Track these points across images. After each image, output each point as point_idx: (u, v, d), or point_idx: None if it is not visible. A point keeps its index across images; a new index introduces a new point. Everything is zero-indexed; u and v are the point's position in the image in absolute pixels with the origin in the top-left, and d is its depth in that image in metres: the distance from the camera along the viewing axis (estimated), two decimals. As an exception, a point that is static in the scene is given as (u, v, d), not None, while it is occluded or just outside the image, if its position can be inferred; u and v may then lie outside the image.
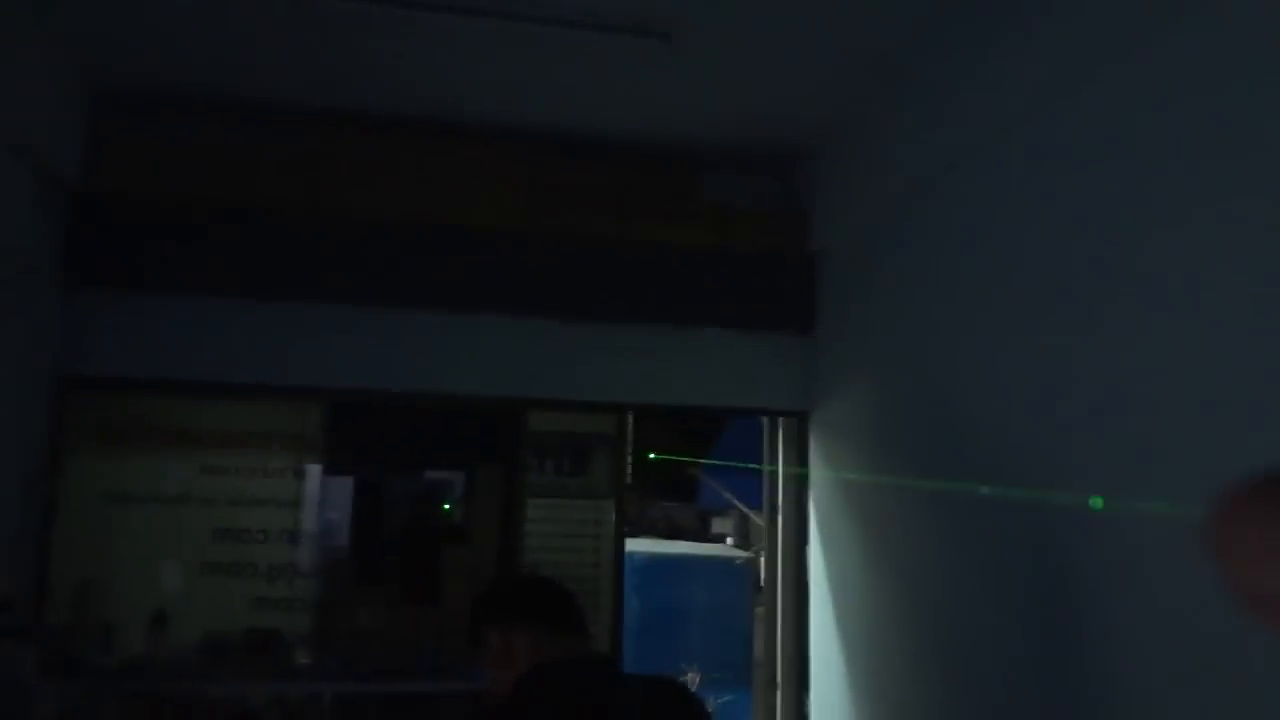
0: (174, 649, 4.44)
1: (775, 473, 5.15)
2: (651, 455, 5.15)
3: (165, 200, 4.09)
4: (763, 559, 5.43)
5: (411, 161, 4.34)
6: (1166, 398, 2.38)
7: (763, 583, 5.45)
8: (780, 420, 5.08)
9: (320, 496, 4.98)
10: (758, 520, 8.06)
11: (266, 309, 4.19)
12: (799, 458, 4.95)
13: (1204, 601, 2.07)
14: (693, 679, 5.22)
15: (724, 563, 6.28)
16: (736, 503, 9.60)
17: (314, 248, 4.23)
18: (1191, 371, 2.30)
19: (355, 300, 4.28)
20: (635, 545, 5.70)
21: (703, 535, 12.93)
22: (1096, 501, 2.50)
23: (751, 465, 5.57)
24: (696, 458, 9.69)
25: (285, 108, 4.28)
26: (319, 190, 4.22)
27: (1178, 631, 2.25)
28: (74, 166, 3.98)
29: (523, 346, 4.49)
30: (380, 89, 4.16)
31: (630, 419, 5.07)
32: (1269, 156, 2.08)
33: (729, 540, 11.66)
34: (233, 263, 4.15)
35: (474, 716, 1.95)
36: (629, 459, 5.08)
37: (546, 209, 4.45)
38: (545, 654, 1.89)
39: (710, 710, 2.07)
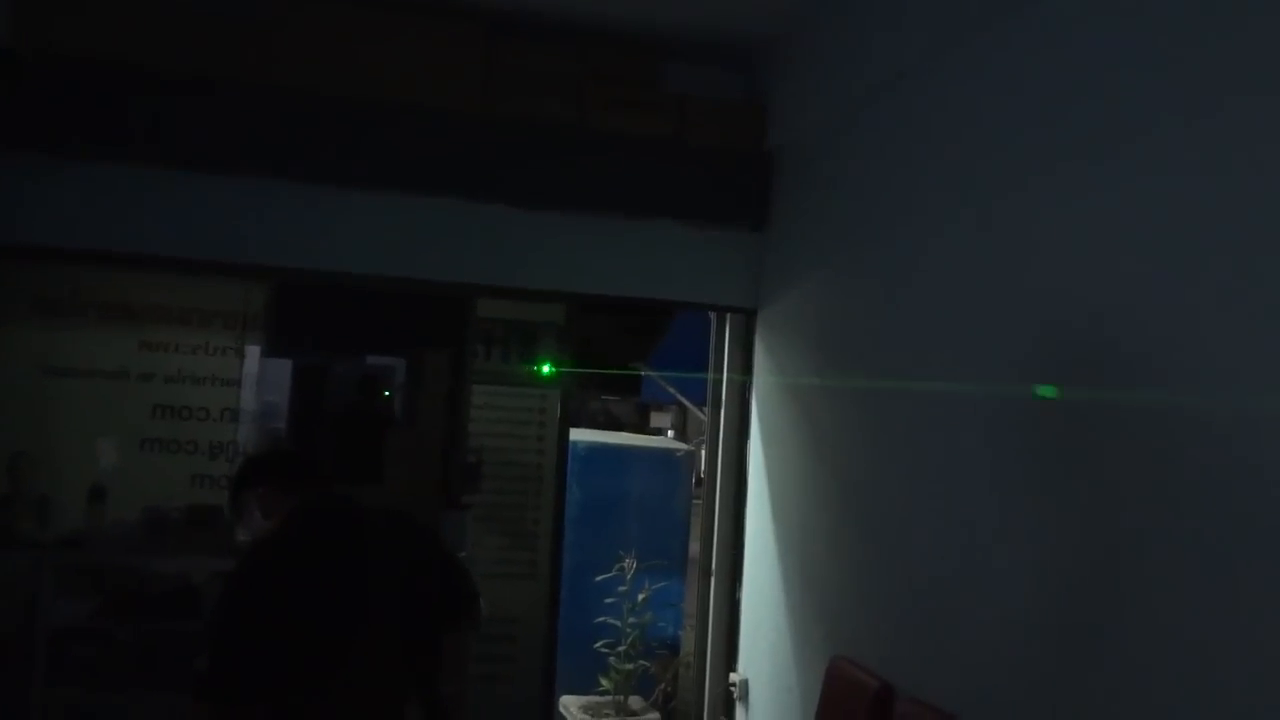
0: (113, 524, 4.42)
1: (720, 368, 5.21)
2: (590, 342, 5.17)
3: (109, 64, 3.90)
4: (703, 452, 5.53)
5: (366, 36, 4.19)
6: (1116, 300, 2.45)
7: (702, 475, 5.56)
8: (728, 316, 5.11)
9: (262, 376, 4.94)
10: (699, 415, 8.17)
11: (210, 182, 4.06)
12: (744, 354, 5.00)
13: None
14: (629, 565, 5.36)
15: (664, 454, 6.38)
16: (679, 397, 9.71)
17: (263, 122, 4.08)
18: (1141, 277, 2.36)
19: (304, 178, 4.16)
20: (577, 435, 5.76)
21: (642, 429, 13.10)
22: (1047, 390, 2.58)
23: (697, 357, 5.63)
24: (641, 351, 9.73)
25: (232, -29, 4.08)
26: (271, 62, 4.05)
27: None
28: (5, 24, 3.77)
29: (473, 232, 4.43)
30: (332, -44, 3.99)
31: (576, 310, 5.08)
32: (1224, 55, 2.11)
33: (669, 434, 11.84)
34: (178, 133, 3.99)
35: (243, 555, 2.28)
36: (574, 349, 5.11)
37: (503, 92, 4.34)
38: (295, 502, 2.34)
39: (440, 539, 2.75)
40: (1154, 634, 2.22)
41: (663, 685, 5.45)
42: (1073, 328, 2.59)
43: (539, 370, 5.04)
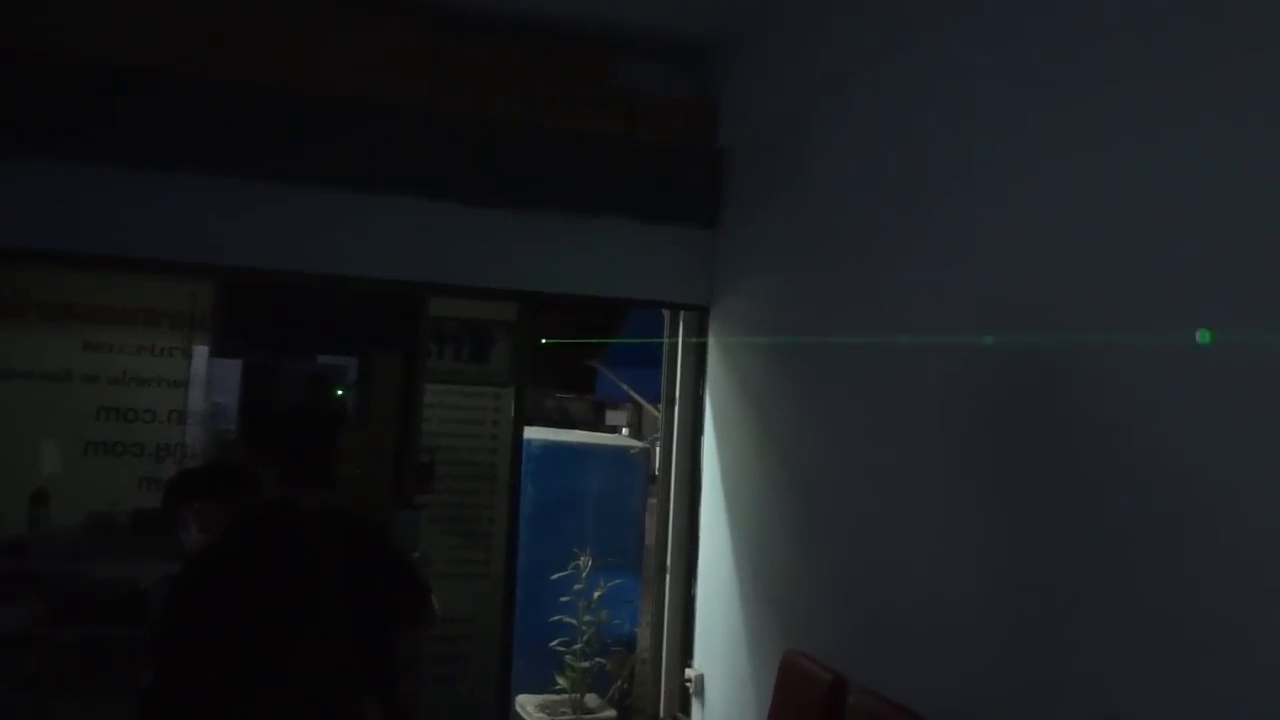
0: (56, 529, 4.32)
1: (674, 365, 5.22)
2: (545, 341, 5.15)
3: (48, 58, 3.81)
4: (658, 449, 5.55)
5: (314, 31, 4.14)
6: (1063, 293, 2.49)
7: (657, 472, 5.58)
8: (681, 313, 5.13)
9: (210, 377, 4.86)
10: (654, 412, 8.19)
11: (157, 179, 3.98)
12: (698, 351, 5.02)
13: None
14: (586, 563, 5.35)
15: (619, 452, 6.38)
16: (634, 394, 9.72)
17: (211, 117, 4.02)
18: (1087, 272, 2.41)
19: (252, 175, 4.10)
20: (532, 433, 5.74)
21: (597, 427, 13.08)
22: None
23: (651, 355, 5.64)
24: (596, 350, 9.73)
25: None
26: (218, 57, 4.00)
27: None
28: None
29: (424, 229, 4.40)
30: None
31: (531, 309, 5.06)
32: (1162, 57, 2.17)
33: (624, 431, 11.84)
34: (122, 129, 3.92)
35: (185, 564, 2.26)
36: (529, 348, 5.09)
37: (453, 88, 4.32)
38: (232, 511, 2.34)
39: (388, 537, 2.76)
40: (1104, 622, 2.27)
41: (619, 682, 5.45)
42: (1021, 321, 2.64)
43: (492, 369, 5.01)
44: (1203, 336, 1.99)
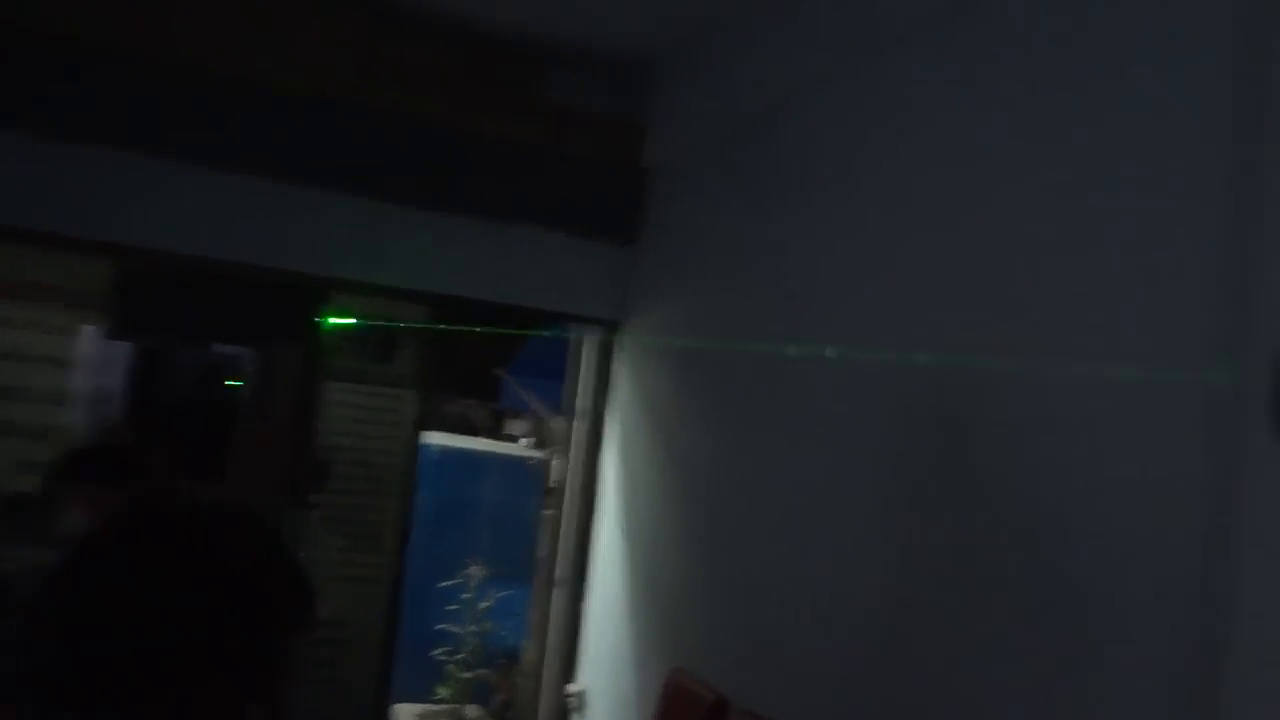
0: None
1: (579, 378, 5.23)
2: (441, 327, 5.07)
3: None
4: (555, 461, 5.54)
5: (239, 13, 4.05)
6: (982, 328, 2.59)
7: (553, 484, 5.56)
8: (591, 327, 5.14)
9: (100, 360, 4.68)
10: (554, 424, 8.15)
11: (52, 148, 3.83)
12: (604, 366, 5.04)
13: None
14: (476, 572, 5.31)
15: (517, 461, 6.36)
16: (535, 405, 9.67)
17: (119, 90, 3.88)
18: (1012, 307, 2.51)
19: (158, 153, 3.97)
20: (432, 438, 5.68)
21: (496, 434, 12.96)
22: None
23: (556, 367, 5.63)
24: (501, 357, 9.66)
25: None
26: (137, 31, 3.87)
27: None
28: None
29: (337, 223, 4.32)
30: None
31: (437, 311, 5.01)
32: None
33: (522, 440, 11.76)
34: (22, 94, 3.76)
35: (70, 549, 2.15)
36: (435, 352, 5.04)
37: (378, 83, 4.27)
38: (123, 498, 2.26)
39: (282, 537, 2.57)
40: (983, 647, 2.35)
41: (501, 695, 5.41)
42: (937, 350, 2.72)
43: (396, 370, 4.94)
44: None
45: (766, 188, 3.79)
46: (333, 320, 4.87)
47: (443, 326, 5.20)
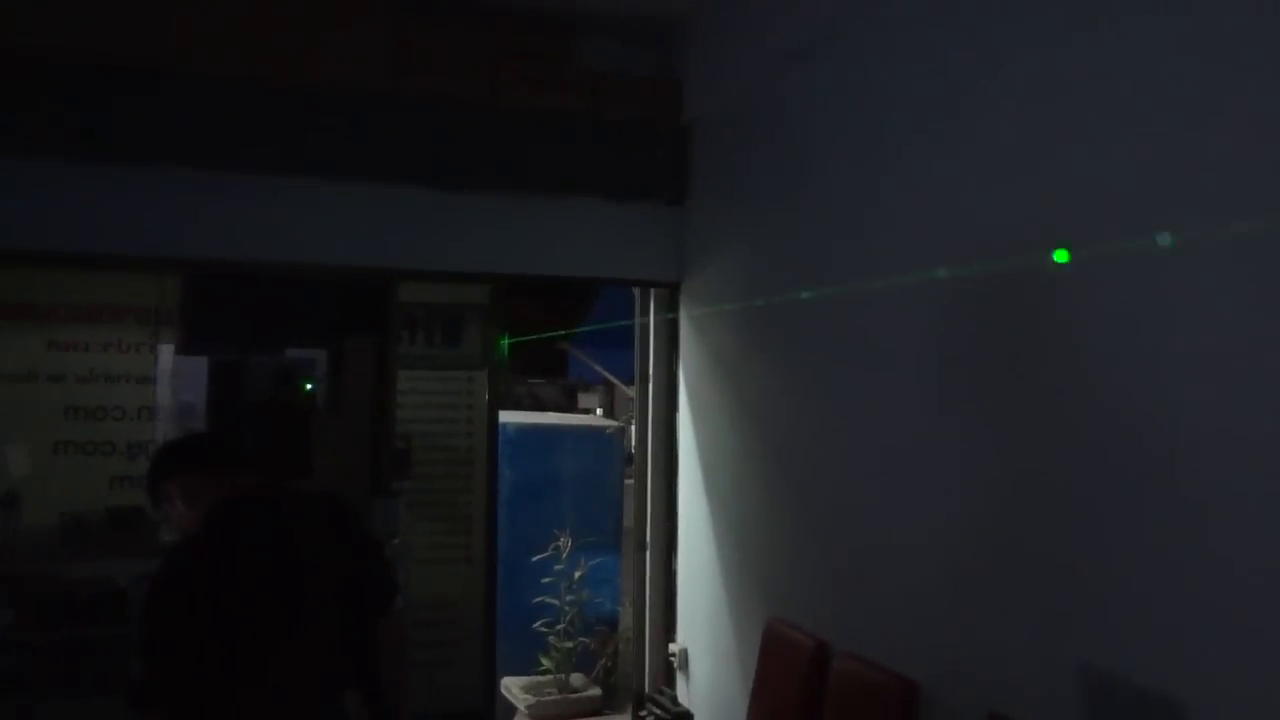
0: (29, 531, 4.27)
1: (646, 343, 5.23)
2: (506, 340, 5.15)
3: (9, 53, 3.74)
4: (633, 428, 5.56)
5: (271, 16, 4.08)
6: (1034, 253, 2.52)
7: (632, 451, 5.59)
8: (651, 291, 5.14)
9: (178, 373, 4.80)
10: (627, 392, 8.20)
11: (115, 172, 3.92)
12: (670, 328, 5.04)
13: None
14: (565, 543, 5.36)
15: (594, 432, 6.38)
16: (606, 375, 9.72)
17: (169, 108, 3.96)
18: (1056, 229, 2.44)
19: (211, 166, 4.05)
20: (507, 417, 5.72)
21: (569, 410, 13.08)
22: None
23: (622, 335, 5.65)
24: (566, 333, 9.72)
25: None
26: (174, 46, 3.93)
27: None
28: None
29: (390, 214, 4.38)
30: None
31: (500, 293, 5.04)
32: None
33: (598, 412, 11.84)
34: (78, 123, 3.85)
35: (170, 552, 2.19)
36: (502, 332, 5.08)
37: (415, 72, 4.29)
38: (220, 490, 2.24)
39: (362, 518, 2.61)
40: (1079, 576, 2.31)
41: (603, 661, 5.47)
42: (997, 280, 2.67)
43: (465, 353, 4.99)
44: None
45: (810, 126, 3.73)
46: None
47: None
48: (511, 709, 5.14)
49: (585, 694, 5.26)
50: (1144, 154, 2.16)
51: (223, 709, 2.10)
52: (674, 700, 4.50)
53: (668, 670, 4.90)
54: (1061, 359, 2.40)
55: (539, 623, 5.30)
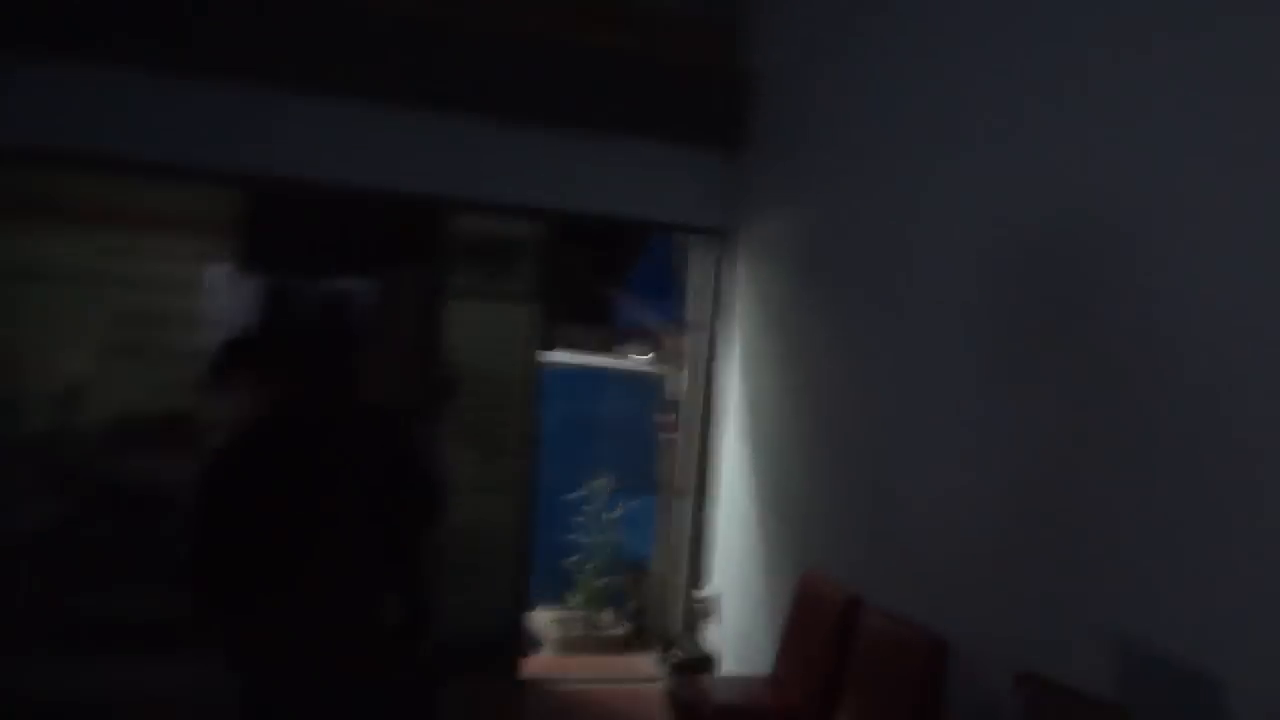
0: (86, 427, 4.38)
1: (691, 292, 5.20)
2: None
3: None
4: (673, 375, 5.55)
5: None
6: (1091, 207, 2.46)
7: (672, 397, 5.59)
8: (701, 238, 5.09)
9: (231, 288, 4.84)
10: (670, 338, 8.15)
11: (179, 83, 3.96)
12: (717, 277, 5.00)
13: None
14: (602, 484, 5.40)
15: (637, 376, 6.39)
16: (650, 321, 9.69)
17: (234, 23, 3.98)
18: (1118, 182, 2.38)
19: (283, 84, 4.08)
20: (551, 356, 5.74)
21: (613, 354, 13.08)
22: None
23: (670, 283, 5.61)
24: (614, 277, 9.68)
25: None
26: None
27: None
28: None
29: (448, 144, 4.38)
30: None
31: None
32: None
33: (644, 357, 11.83)
34: (141, 31, 3.88)
35: (222, 442, 2.22)
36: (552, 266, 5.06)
37: (475, 4, 4.27)
38: (275, 390, 2.26)
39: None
40: (1118, 534, 2.28)
41: (633, 600, 5.53)
42: (1050, 233, 2.61)
43: (514, 285, 4.99)
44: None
45: (875, 83, 3.65)
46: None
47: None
48: (538, 640, 5.22)
49: (612, 632, 5.32)
50: (1210, 111, 2.09)
51: (257, 602, 2.15)
52: (697, 644, 4.54)
53: (693, 615, 4.93)
54: (1114, 320, 2.34)
55: (570, 559, 5.35)
